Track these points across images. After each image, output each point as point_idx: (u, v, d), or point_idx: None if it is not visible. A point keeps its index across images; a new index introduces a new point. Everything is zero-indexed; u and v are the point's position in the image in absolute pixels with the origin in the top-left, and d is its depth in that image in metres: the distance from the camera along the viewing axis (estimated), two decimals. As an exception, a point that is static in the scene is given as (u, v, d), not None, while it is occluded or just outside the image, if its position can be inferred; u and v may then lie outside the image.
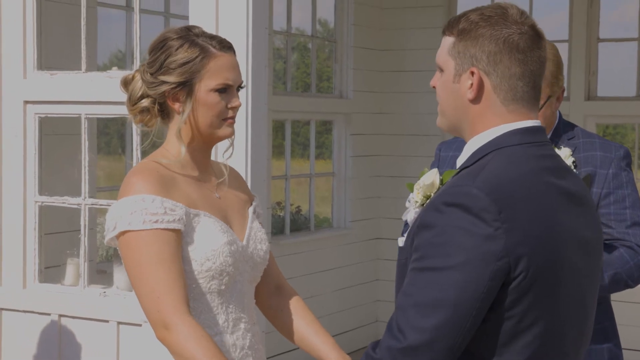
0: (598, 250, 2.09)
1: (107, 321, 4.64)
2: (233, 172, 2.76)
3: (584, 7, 7.53)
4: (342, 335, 7.47)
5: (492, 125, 2.02)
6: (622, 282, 3.02)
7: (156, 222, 2.41)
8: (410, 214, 2.54)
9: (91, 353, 4.69)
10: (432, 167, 3.24)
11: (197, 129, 2.57)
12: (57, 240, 5.06)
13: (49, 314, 4.78)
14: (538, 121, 2.06)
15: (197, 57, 2.53)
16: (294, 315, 2.75)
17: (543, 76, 2.07)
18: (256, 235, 2.67)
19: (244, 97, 4.16)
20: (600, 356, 3.08)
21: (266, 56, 4.39)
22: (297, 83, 11.41)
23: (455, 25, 2.05)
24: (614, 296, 3.31)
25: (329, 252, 7.54)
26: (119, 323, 4.61)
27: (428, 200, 2.35)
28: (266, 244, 2.70)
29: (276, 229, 7.34)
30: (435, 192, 2.48)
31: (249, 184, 3.78)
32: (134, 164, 4.44)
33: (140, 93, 2.60)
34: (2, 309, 4.91)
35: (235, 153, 2.88)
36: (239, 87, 2.62)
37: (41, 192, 4.84)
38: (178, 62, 2.53)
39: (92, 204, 4.73)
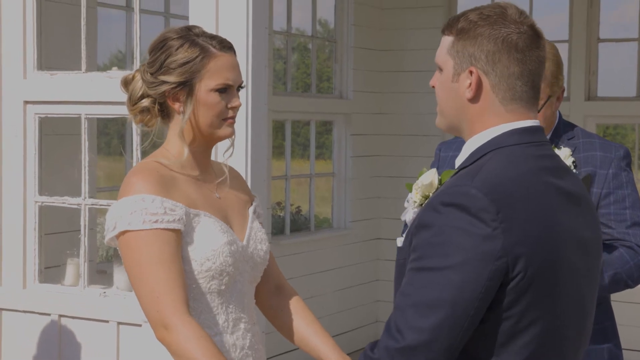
0: (597, 250, 2.09)
1: (107, 321, 4.64)
2: (233, 172, 2.76)
3: (584, 7, 7.53)
4: (342, 336, 7.47)
5: (490, 125, 2.02)
6: (622, 282, 3.02)
7: (156, 222, 2.41)
8: (409, 214, 2.55)
9: (91, 353, 4.69)
10: (432, 167, 3.24)
11: (197, 129, 2.57)
12: (57, 241, 5.06)
13: (49, 314, 4.78)
14: (537, 121, 2.06)
15: (197, 57, 2.53)
16: (294, 316, 2.74)
17: (542, 76, 2.07)
18: (256, 236, 2.67)
19: (244, 97, 4.16)
20: (600, 356, 3.08)
21: (266, 56, 4.39)
22: (297, 83, 11.41)
23: (455, 24, 2.05)
24: (614, 296, 3.31)
25: (329, 252, 7.54)
26: (119, 323, 4.61)
27: (426, 200, 2.36)
28: (266, 244, 2.70)
29: (276, 229, 7.34)
30: (434, 192, 2.48)
31: (249, 184, 3.78)
32: (134, 164, 4.44)
33: (140, 93, 2.60)
34: (2, 309, 4.91)
35: (235, 153, 2.88)
36: (239, 87, 2.62)
37: (41, 192, 4.84)
38: (178, 62, 2.53)
39: (92, 204, 4.73)
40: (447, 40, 2.07)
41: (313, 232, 7.58)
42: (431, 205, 1.94)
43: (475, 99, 2.03)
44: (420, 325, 1.87)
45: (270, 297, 2.78)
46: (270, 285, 2.78)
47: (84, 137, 4.71)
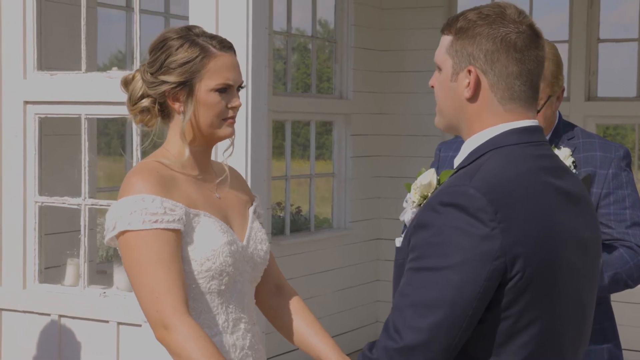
0: (596, 250, 2.09)
1: (107, 321, 4.64)
2: (233, 172, 2.76)
3: (584, 8, 7.53)
4: (342, 336, 7.47)
5: (489, 125, 2.02)
6: (621, 283, 3.02)
7: (156, 222, 2.41)
8: (408, 214, 2.54)
9: (91, 353, 4.69)
10: (431, 167, 3.24)
11: (197, 128, 2.57)
12: (57, 241, 5.06)
13: (48, 314, 4.78)
14: (536, 121, 2.05)
15: (197, 56, 2.53)
16: (294, 316, 2.74)
17: (541, 76, 2.06)
18: (256, 236, 2.67)
19: (244, 97, 4.16)
20: (600, 356, 3.08)
21: (266, 56, 4.39)
22: (297, 83, 11.41)
23: (454, 24, 2.05)
24: (614, 296, 3.31)
25: (329, 252, 7.54)
26: (119, 323, 4.61)
27: (425, 200, 2.35)
28: (266, 244, 2.70)
29: (276, 230, 7.34)
30: (433, 192, 2.48)
31: (249, 184, 3.78)
32: (134, 164, 4.44)
33: (140, 93, 2.60)
34: (2, 309, 4.91)
35: (235, 153, 2.88)
36: (239, 87, 2.61)
37: (41, 192, 4.84)
38: (178, 62, 2.53)
39: (92, 204, 4.74)
40: (446, 39, 2.07)
41: (313, 232, 7.58)
42: (430, 205, 1.94)
43: (473, 98, 2.02)
44: (418, 325, 1.87)
45: (270, 297, 2.78)
46: (271, 286, 2.78)
47: (84, 137, 4.71)
